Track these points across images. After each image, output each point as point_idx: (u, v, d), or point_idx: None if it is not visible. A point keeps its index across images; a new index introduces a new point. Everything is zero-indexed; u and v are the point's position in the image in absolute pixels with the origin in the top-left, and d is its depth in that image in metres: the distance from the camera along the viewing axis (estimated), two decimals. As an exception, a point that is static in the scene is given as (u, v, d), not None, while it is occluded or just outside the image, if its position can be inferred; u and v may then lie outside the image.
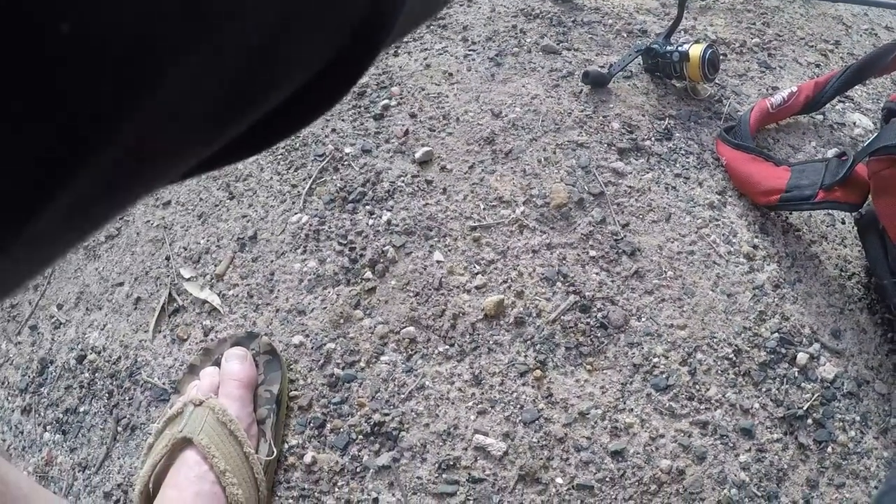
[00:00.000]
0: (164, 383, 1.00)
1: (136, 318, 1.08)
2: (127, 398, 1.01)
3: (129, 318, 1.09)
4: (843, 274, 1.07)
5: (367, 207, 1.11)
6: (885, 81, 1.40)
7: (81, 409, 1.03)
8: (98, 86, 0.17)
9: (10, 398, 1.08)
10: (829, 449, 0.92)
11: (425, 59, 1.32)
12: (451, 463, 0.90)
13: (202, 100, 0.22)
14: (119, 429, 1.00)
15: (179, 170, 0.25)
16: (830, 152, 1.20)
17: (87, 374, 1.06)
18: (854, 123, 1.28)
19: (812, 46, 1.45)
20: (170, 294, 1.08)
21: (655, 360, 0.97)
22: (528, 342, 0.98)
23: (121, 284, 1.13)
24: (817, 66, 1.41)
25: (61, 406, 1.05)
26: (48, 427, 1.04)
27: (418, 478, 0.89)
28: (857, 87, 1.30)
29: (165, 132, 0.21)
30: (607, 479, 0.88)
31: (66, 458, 1.01)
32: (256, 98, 0.24)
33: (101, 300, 1.12)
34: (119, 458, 0.98)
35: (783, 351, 0.98)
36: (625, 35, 1.39)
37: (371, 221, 1.09)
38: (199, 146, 0.25)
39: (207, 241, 1.12)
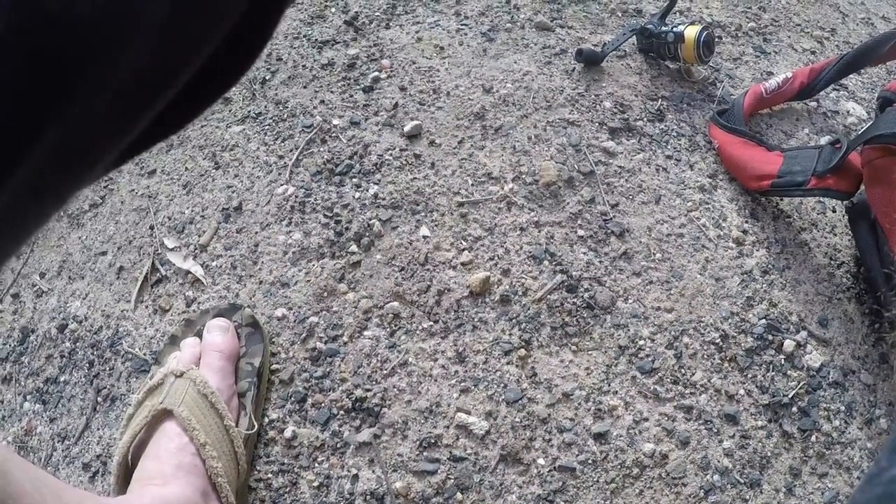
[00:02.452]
0: (145, 354, 0.99)
1: (118, 288, 1.07)
2: (108, 368, 1.00)
3: (112, 288, 1.07)
4: (832, 262, 1.07)
5: (354, 180, 1.10)
6: (880, 71, 1.39)
7: (62, 379, 1.02)
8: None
9: (-10, 366, 1.07)
10: (813, 438, 0.92)
11: (417, 32, 1.31)
12: (433, 441, 0.89)
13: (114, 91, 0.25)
14: (99, 399, 0.99)
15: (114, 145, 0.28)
16: (823, 139, 1.19)
17: (68, 344, 1.05)
18: (848, 112, 1.27)
19: (808, 33, 1.44)
20: (153, 264, 1.07)
21: (641, 342, 0.96)
22: (514, 321, 0.97)
23: (104, 253, 1.11)
24: (812, 52, 1.40)
25: (42, 375, 1.04)
26: (28, 397, 1.03)
27: (399, 455, 0.88)
28: (852, 75, 1.29)
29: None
30: (589, 462, 0.88)
31: (46, 428, 1.00)
32: (171, 74, 0.28)
33: (84, 269, 1.11)
34: (98, 429, 0.97)
35: (770, 337, 0.98)
36: (619, 14, 1.38)
37: (358, 194, 1.08)
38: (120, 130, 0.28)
39: (192, 211, 1.11)
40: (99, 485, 0.93)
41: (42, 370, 1.04)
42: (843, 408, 0.95)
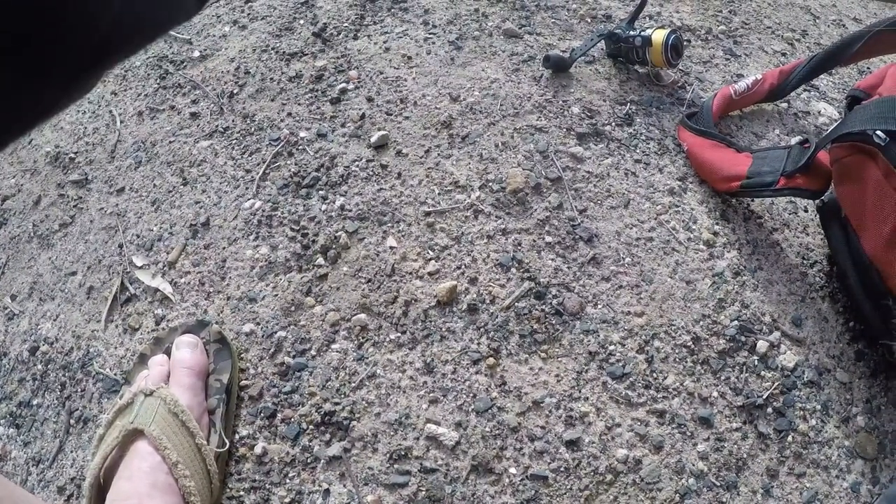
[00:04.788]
0: (115, 374, 0.99)
1: (88, 308, 1.06)
2: (79, 390, 1.00)
3: (82, 308, 1.07)
4: (805, 262, 1.06)
5: (321, 192, 1.09)
6: (851, 71, 1.39)
7: (35, 402, 1.02)
8: None
9: (-38, 392, 1.06)
10: (790, 438, 0.91)
11: (385, 42, 1.31)
12: (403, 453, 0.88)
13: None
14: (72, 421, 0.98)
15: None
16: (793, 140, 1.19)
17: (39, 366, 1.04)
18: (819, 112, 1.27)
19: (779, 35, 1.44)
20: (122, 283, 1.06)
21: (612, 347, 0.95)
22: (482, 329, 0.97)
23: (74, 274, 1.11)
24: (783, 54, 1.40)
25: (14, 399, 1.03)
26: (2, 421, 1.03)
27: (370, 468, 0.88)
28: (822, 76, 1.29)
29: None
30: (562, 469, 0.87)
31: (20, 452, 0.99)
32: None
33: (55, 290, 1.10)
34: (72, 452, 0.96)
35: (743, 339, 0.97)
36: (588, 20, 1.38)
37: (324, 207, 1.08)
38: None
39: (160, 228, 1.10)
40: (74, 507, 0.93)
41: (15, 394, 1.04)
42: (819, 407, 0.94)
